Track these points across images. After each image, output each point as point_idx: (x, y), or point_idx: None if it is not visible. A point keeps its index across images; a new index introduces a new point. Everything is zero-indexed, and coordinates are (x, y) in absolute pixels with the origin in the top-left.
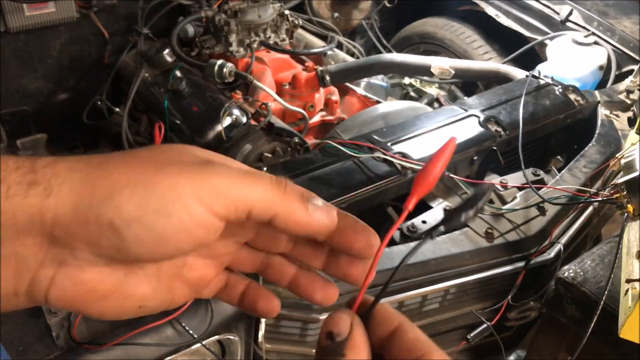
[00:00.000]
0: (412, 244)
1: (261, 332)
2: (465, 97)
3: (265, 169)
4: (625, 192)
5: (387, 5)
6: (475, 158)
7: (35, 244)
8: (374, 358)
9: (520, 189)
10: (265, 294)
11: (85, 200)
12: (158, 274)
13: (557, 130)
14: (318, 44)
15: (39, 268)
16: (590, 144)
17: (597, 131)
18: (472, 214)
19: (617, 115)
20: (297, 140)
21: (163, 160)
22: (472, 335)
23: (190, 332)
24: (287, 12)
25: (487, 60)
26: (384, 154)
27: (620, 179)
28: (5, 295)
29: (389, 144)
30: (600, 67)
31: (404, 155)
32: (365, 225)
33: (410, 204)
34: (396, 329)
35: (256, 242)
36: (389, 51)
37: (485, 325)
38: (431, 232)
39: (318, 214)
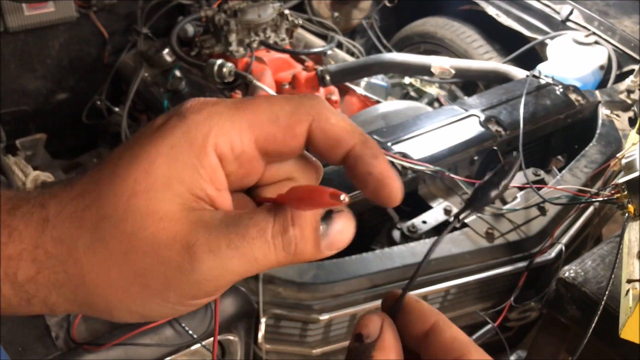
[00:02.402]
0: (413, 244)
1: (261, 333)
2: (466, 97)
3: None
4: (626, 192)
5: (387, 4)
6: (476, 158)
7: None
8: (411, 358)
9: (520, 189)
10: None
11: (88, 313)
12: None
13: (558, 130)
14: (318, 44)
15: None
16: (590, 144)
17: (598, 131)
18: (501, 190)
19: (617, 115)
20: None
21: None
22: (475, 337)
23: (190, 332)
24: (287, 11)
25: (488, 60)
26: (384, 154)
27: (621, 179)
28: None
29: (389, 144)
30: (601, 67)
31: (404, 155)
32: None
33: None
34: (432, 327)
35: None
36: (389, 51)
37: (489, 327)
38: (458, 215)
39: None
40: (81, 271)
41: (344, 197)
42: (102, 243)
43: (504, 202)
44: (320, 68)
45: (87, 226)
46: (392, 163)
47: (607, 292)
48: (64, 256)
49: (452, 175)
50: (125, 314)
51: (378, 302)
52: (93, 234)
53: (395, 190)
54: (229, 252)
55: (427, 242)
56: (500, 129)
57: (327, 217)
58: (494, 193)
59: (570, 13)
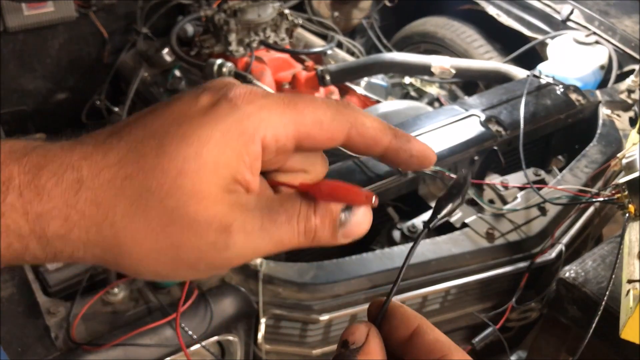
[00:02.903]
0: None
1: (261, 333)
2: (466, 97)
3: None
4: (626, 192)
5: (388, 4)
6: (476, 158)
7: None
8: None
9: (521, 189)
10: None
11: (113, 268)
12: None
13: (558, 130)
14: (318, 44)
15: None
16: (591, 144)
17: (599, 131)
18: (459, 201)
19: (618, 115)
20: None
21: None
22: (477, 339)
23: (190, 332)
24: (286, 11)
25: (488, 60)
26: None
27: (621, 179)
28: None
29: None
30: (602, 67)
31: None
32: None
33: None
34: (415, 331)
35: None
36: (389, 50)
37: (490, 329)
38: (428, 225)
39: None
40: (116, 234)
41: (375, 199)
42: (142, 213)
43: (505, 202)
44: (320, 68)
45: (128, 194)
46: None
47: (607, 293)
48: (99, 218)
49: (452, 175)
50: (151, 275)
51: None
52: (133, 203)
53: (433, 155)
54: (261, 233)
55: (427, 242)
56: (500, 129)
57: (348, 207)
58: (451, 206)
59: (571, 13)
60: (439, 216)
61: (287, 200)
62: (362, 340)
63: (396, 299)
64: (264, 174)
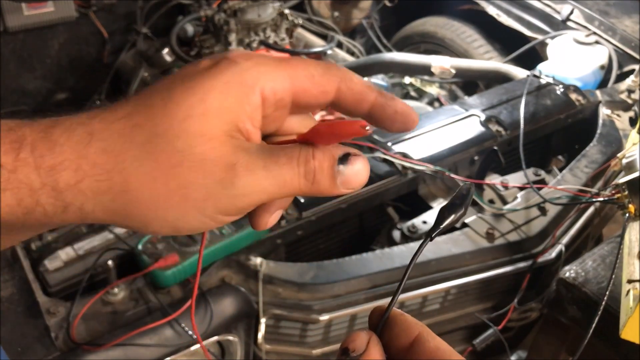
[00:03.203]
0: (413, 244)
1: (261, 333)
2: (466, 97)
3: None
4: (626, 192)
5: (388, 4)
6: (476, 158)
7: None
8: None
9: (521, 189)
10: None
11: (120, 222)
12: None
13: (558, 130)
14: (318, 44)
15: None
16: (591, 144)
17: (599, 131)
18: (462, 212)
19: (618, 115)
20: None
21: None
22: (478, 340)
23: (190, 332)
24: (286, 11)
25: (488, 60)
26: (385, 154)
27: (621, 179)
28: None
29: (389, 144)
30: (602, 67)
31: (404, 155)
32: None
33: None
34: (416, 339)
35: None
36: (390, 50)
37: (492, 330)
38: (430, 235)
39: (349, 180)
40: (126, 180)
41: (369, 127)
42: (151, 156)
43: (505, 202)
44: None
45: (137, 140)
46: (392, 163)
47: (607, 293)
48: (110, 165)
49: (452, 175)
50: (159, 223)
51: (378, 303)
52: (142, 147)
53: (416, 116)
54: (264, 172)
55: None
56: (500, 129)
57: (345, 159)
58: (454, 217)
59: (571, 13)
60: (442, 227)
61: (287, 147)
62: (363, 348)
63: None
64: (264, 138)
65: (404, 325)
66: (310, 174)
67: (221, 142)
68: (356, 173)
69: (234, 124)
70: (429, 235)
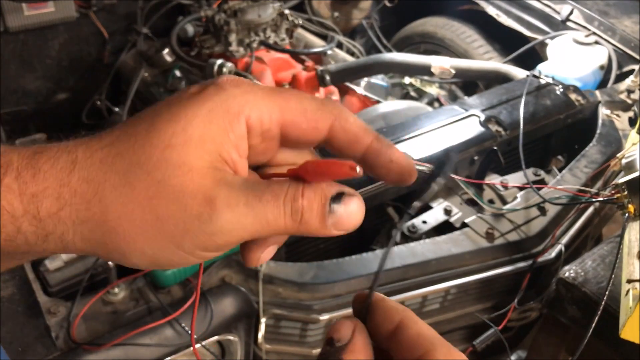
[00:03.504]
0: (413, 244)
1: (261, 333)
2: (466, 97)
3: None
4: (626, 192)
5: (388, 4)
6: (476, 158)
7: None
8: (384, 358)
9: (521, 189)
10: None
11: (100, 253)
12: None
13: (558, 130)
14: (318, 44)
15: None
16: (591, 144)
17: (598, 131)
18: (442, 181)
19: (617, 115)
20: None
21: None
22: (478, 341)
23: (190, 332)
24: (287, 11)
25: (488, 60)
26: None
27: (621, 179)
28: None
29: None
30: (601, 67)
31: None
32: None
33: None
34: (398, 325)
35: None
36: (389, 51)
37: (492, 330)
38: (407, 210)
39: (342, 221)
40: (105, 210)
41: (359, 169)
42: (129, 186)
43: (504, 202)
44: (320, 68)
45: (117, 169)
46: None
47: (607, 292)
48: (89, 195)
49: (452, 175)
50: (137, 256)
51: None
52: (122, 177)
53: (414, 170)
54: (245, 209)
55: (427, 242)
56: (500, 129)
57: (338, 198)
58: (434, 186)
59: (571, 13)
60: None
61: (275, 183)
62: (348, 337)
63: (396, 299)
64: (255, 169)
65: (386, 311)
66: (297, 214)
67: (202, 174)
68: (349, 214)
69: (217, 154)
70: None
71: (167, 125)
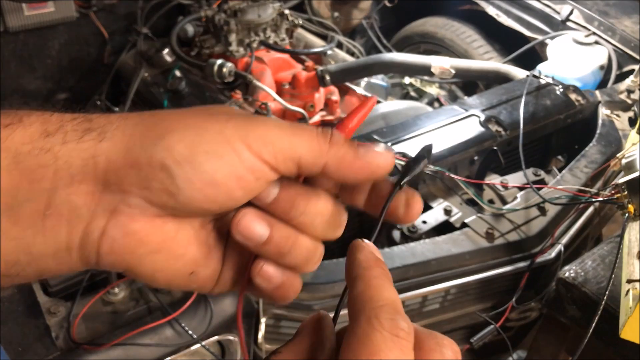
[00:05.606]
0: (413, 244)
1: (261, 333)
2: (466, 97)
3: None
4: (626, 192)
5: (388, 4)
6: (476, 158)
7: (88, 192)
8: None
9: (520, 189)
10: None
11: (137, 142)
12: (208, 239)
13: (558, 130)
14: (318, 44)
15: (92, 218)
16: (591, 144)
17: (598, 131)
18: (422, 166)
19: (617, 115)
20: None
21: (212, 111)
22: (476, 338)
23: (190, 332)
24: (286, 11)
25: (488, 60)
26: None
27: (621, 179)
28: (58, 250)
29: (389, 144)
30: (601, 67)
31: (404, 155)
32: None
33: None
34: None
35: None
36: (389, 51)
37: (490, 328)
38: (388, 199)
39: (370, 156)
40: (157, 113)
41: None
42: (180, 112)
43: (504, 202)
44: (320, 68)
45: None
46: None
47: (607, 292)
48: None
49: (452, 175)
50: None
51: None
52: (172, 116)
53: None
54: (287, 125)
55: (427, 242)
56: (500, 129)
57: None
58: (416, 169)
59: (571, 13)
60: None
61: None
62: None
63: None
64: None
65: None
66: (327, 133)
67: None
68: (378, 151)
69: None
70: (398, 183)
71: (205, 118)
